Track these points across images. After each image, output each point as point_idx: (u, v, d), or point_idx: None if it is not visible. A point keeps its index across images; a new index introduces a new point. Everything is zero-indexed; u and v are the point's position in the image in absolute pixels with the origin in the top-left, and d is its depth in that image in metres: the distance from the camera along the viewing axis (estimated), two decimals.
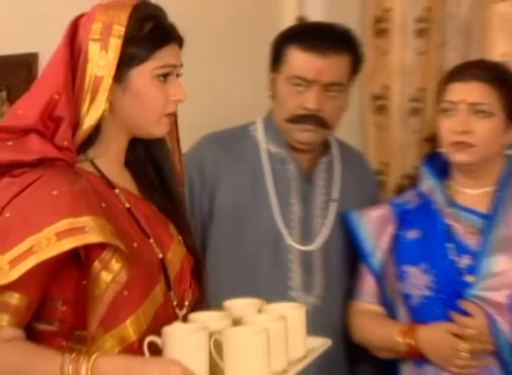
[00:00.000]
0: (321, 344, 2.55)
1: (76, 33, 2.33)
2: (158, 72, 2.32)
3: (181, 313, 2.40)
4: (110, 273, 2.20)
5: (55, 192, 2.19)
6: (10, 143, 2.27)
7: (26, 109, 2.30)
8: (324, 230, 3.46)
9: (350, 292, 3.47)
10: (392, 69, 5.42)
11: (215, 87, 4.29)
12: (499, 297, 3.02)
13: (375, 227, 3.28)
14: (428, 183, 3.30)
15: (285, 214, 3.40)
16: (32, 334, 2.29)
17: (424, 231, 3.20)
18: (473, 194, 3.18)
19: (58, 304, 2.24)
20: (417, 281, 3.09)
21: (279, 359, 2.33)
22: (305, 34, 3.46)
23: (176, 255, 2.41)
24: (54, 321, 2.25)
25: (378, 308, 3.31)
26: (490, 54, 5.11)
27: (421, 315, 3.10)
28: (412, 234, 3.22)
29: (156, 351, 2.25)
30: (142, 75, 2.30)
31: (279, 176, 3.44)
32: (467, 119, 3.08)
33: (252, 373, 2.26)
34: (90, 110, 2.27)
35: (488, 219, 3.15)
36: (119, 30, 2.28)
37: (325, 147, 3.56)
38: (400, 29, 5.39)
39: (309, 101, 3.30)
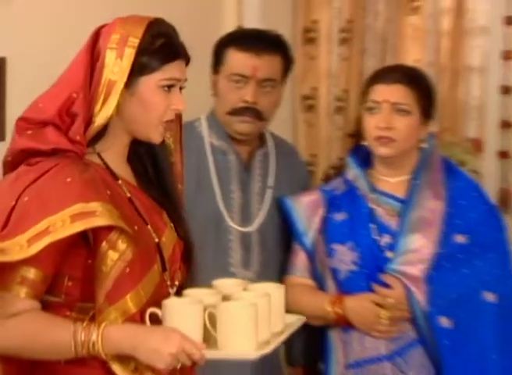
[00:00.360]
0: (296, 319, 2.58)
1: (97, 40, 2.32)
2: (163, 83, 2.32)
3: (172, 291, 2.39)
4: (116, 252, 2.20)
5: (68, 180, 2.19)
6: (30, 132, 2.27)
7: (47, 103, 2.29)
8: (261, 214, 3.47)
9: (284, 268, 3.48)
10: (319, 73, 5.47)
11: None
12: (415, 270, 3.06)
13: (307, 210, 3.29)
14: (353, 172, 3.32)
15: (226, 200, 3.41)
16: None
17: (350, 214, 3.23)
18: (392, 181, 3.22)
19: (64, 279, 2.22)
20: (344, 257, 3.12)
21: (264, 331, 2.35)
22: (242, 38, 3.51)
23: (168, 240, 2.39)
24: (60, 294, 2.24)
25: (310, 282, 3.30)
26: (404, 60, 5.15)
27: (347, 287, 3.11)
28: (340, 217, 3.24)
29: (156, 321, 2.26)
30: (149, 83, 2.30)
31: (221, 166, 3.44)
32: (389, 116, 3.13)
33: (242, 342, 2.28)
34: (102, 110, 2.26)
35: (405, 203, 3.20)
36: (134, 41, 2.28)
37: (261, 140, 3.57)
38: (326, 38, 5.45)
39: (247, 94, 3.33)
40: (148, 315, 2.25)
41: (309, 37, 5.49)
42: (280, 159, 3.61)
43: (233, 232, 3.42)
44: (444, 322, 3.04)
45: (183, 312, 2.26)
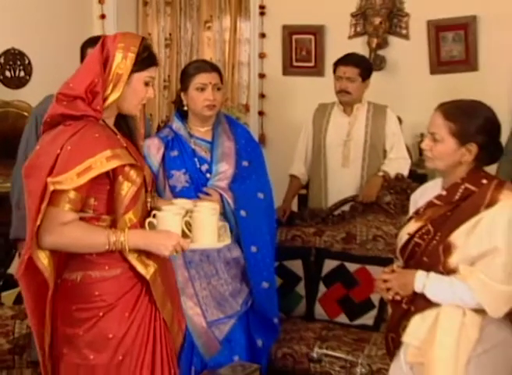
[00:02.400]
0: (222, 224, 2.43)
1: (104, 46, 2.17)
2: (146, 79, 2.20)
3: (149, 205, 2.28)
4: (129, 182, 2.12)
5: (96, 135, 2.09)
6: (65, 103, 2.14)
7: (76, 84, 2.14)
8: None
9: None
10: None
11: None
12: (224, 184, 2.97)
13: (153, 150, 3.05)
14: (176, 124, 3.11)
15: None
16: None
17: (180, 151, 3.05)
18: (202, 130, 3.07)
19: (91, 200, 2.12)
20: (180, 179, 2.94)
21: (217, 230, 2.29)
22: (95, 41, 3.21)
23: (147, 173, 2.27)
24: (89, 210, 2.12)
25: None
26: (203, 57, 5.22)
27: (182, 197, 2.97)
28: (174, 153, 3.05)
29: (151, 227, 2.21)
30: (139, 79, 2.17)
31: None
32: (213, 92, 2.99)
33: (209, 237, 2.23)
34: (113, 92, 2.14)
35: (212, 144, 3.08)
36: (134, 50, 2.15)
37: None
38: (157, 44, 5.52)
39: None
40: (147, 223, 2.17)
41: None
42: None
43: None
44: (243, 213, 2.99)
45: (170, 221, 2.18)
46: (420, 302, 2.13)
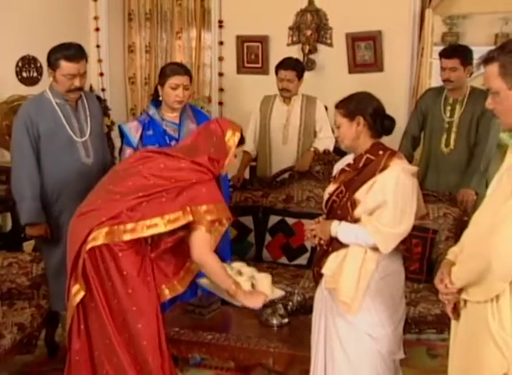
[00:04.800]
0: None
1: (209, 125, 2.37)
2: (236, 153, 2.37)
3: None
4: (213, 231, 2.25)
5: (216, 190, 2.27)
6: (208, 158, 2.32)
7: (214, 154, 2.33)
8: (88, 130, 3.06)
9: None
10: (137, 66, 5.37)
11: None
12: None
13: (133, 131, 2.99)
14: (152, 110, 3.04)
15: (71, 128, 2.98)
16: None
17: (154, 131, 2.99)
18: (171, 115, 3.00)
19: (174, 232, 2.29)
20: None
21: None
22: (66, 51, 2.92)
23: None
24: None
25: None
26: (175, 60, 5.09)
27: None
28: (149, 132, 2.98)
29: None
30: (233, 152, 2.36)
31: (64, 113, 2.97)
32: (183, 91, 2.93)
33: (267, 292, 2.45)
34: (225, 159, 2.34)
35: (180, 126, 3.01)
36: (238, 134, 2.34)
37: (79, 97, 3.04)
38: (139, 50, 5.35)
39: (76, 83, 2.91)
40: (251, 285, 2.44)
41: (131, 49, 5.37)
42: (89, 103, 3.11)
43: (78, 142, 3.02)
44: None
45: (264, 284, 2.46)
46: (335, 244, 2.17)
